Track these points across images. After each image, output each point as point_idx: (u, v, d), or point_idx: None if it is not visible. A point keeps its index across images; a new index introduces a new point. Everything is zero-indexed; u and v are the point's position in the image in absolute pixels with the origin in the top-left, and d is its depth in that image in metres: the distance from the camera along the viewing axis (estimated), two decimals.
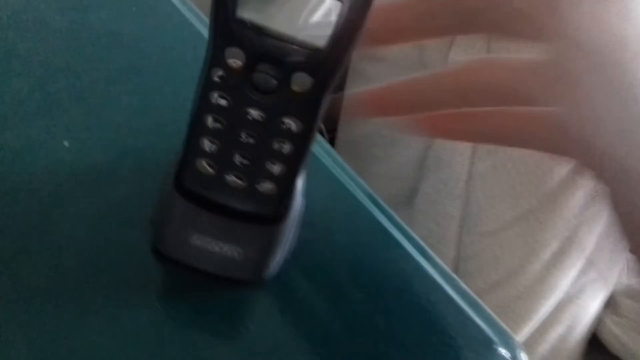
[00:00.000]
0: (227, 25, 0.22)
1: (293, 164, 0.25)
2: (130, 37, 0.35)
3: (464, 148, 0.62)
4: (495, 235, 0.61)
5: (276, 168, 0.25)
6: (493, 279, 0.62)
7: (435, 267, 0.32)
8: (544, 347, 0.66)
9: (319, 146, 0.34)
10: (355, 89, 0.77)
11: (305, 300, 0.28)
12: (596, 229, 0.63)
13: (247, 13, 0.22)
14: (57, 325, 0.25)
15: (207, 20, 0.38)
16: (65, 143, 0.29)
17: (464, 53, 0.60)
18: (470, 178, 0.62)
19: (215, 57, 0.23)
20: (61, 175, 0.28)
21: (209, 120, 0.24)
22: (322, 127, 0.59)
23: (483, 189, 0.61)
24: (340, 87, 0.79)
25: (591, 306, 0.68)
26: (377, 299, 0.29)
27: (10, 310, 0.25)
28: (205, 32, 0.37)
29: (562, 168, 0.59)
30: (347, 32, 0.22)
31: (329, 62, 0.23)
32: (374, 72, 0.73)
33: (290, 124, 0.24)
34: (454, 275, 0.32)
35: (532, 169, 0.59)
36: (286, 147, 0.24)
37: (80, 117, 0.31)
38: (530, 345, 0.66)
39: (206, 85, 0.23)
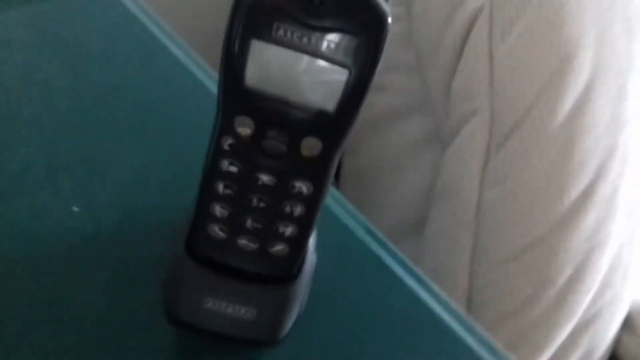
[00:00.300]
0: (235, 95, 0.22)
1: (305, 225, 0.25)
2: (134, 91, 0.36)
3: (472, 176, 0.61)
4: (508, 263, 0.61)
5: (288, 230, 0.25)
6: (508, 308, 0.61)
7: (450, 312, 0.31)
8: None
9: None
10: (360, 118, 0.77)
11: (320, 356, 0.28)
12: (609, 250, 0.63)
13: (255, 83, 0.22)
14: None
15: (209, 69, 0.38)
16: (75, 208, 0.29)
17: (466, 81, 0.61)
18: (480, 207, 0.61)
19: (224, 126, 0.23)
20: (71, 241, 0.28)
21: (220, 187, 0.24)
22: None
23: (493, 217, 0.61)
24: None
25: (609, 328, 0.67)
26: (392, 349, 0.29)
27: None
28: (207, 81, 0.38)
29: (571, 193, 0.58)
30: (355, 96, 0.22)
31: (338, 126, 0.23)
32: (377, 101, 0.73)
33: (301, 187, 0.24)
34: (471, 321, 0.31)
35: (541, 195, 0.58)
36: (297, 210, 0.24)
37: (87, 180, 0.31)
38: None
39: (216, 153, 0.23)
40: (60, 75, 0.35)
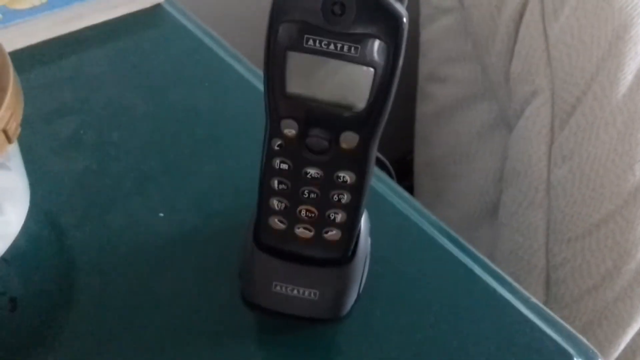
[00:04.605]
0: (279, 101, 0.26)
1: (353, 211, 0.28)
2: (206, 110, 0.40)
3: (539, 156, 0.62)
4: (584, 239, 0.61)
5: (338, 217, 0.28)
6: (588, 284, 0.61)
7: (505, 286, 0.33)
8: None
9: (383, 184, 0.37)
10: (426, 111, 0.79)
11: (380, 331, 0.31)
12: None
13: (294, 89, 0.25)
14: None
15: None
16: (160, 214, 0.34)
17: (523, 64, 0.61)
18: (550, 186, 0.62)
19: (273, 129, 0.26)
20: (159, 242, 0.33)
21: (275, 183, 0.28)
22: (386, 161, 0.62)
23: (564, 195, 0.61)
24: (412, 111, 0.81)
25: None
26: (450, 323, 0.31)
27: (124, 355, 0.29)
28: None
29: None
30: (382, 92, 0.25)
31: (370, 120, 0.25)
32: (440, 93, 0.75)
33: (345, 176, 0.27)
34: (525, 292, 0.33)
35: (610, 169, 0.58)
36: (344, 198, 0.27)
37: (170, 189, 0.35)
38: (637, 348, 0.64)
39: (268, 154, 0.27)
40: (142, 101, 0.40)
